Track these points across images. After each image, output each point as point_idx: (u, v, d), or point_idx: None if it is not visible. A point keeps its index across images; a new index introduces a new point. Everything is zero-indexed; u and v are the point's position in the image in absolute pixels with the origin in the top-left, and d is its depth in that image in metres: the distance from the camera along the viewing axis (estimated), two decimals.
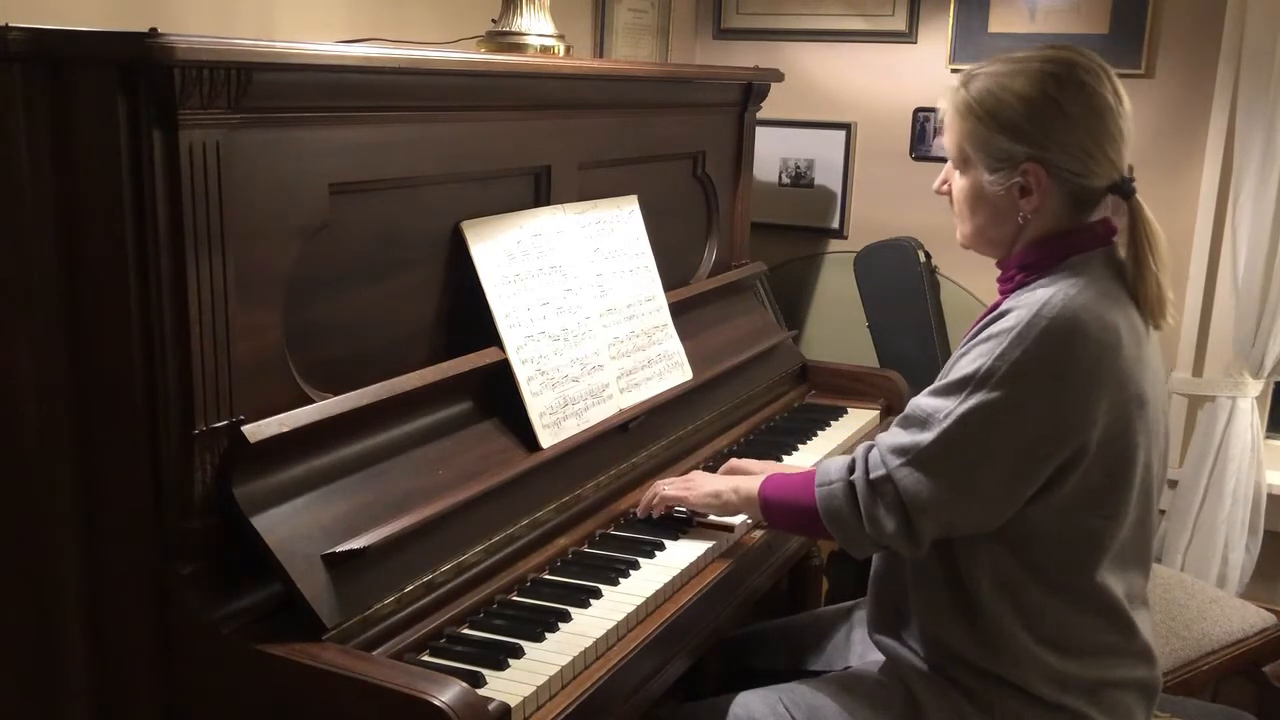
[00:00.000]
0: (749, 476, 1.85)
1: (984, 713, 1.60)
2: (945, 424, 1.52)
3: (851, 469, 1.61)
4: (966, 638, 1.60)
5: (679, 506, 1.91)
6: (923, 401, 1.57)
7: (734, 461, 2.08)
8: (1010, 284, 1.64)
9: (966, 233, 1.69)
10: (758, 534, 1.98)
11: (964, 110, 1.60)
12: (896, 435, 1.58)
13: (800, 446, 2.38)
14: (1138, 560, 1.62)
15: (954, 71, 3.48)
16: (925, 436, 1.53)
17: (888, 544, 1.59)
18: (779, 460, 2.28)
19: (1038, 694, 1.58)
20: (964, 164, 1.64)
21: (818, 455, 2.33)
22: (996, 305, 1.62)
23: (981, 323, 1.58)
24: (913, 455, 1.54)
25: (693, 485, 1.90)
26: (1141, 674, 1.63)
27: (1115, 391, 1.50)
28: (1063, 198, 1.58)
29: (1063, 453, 1.50)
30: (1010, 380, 1.48)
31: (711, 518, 1.93)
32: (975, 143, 1.60)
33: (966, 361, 1.54)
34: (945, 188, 1.70)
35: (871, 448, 1.61)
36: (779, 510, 1.76)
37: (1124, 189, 1.58)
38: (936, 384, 1.57)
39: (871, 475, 1.58)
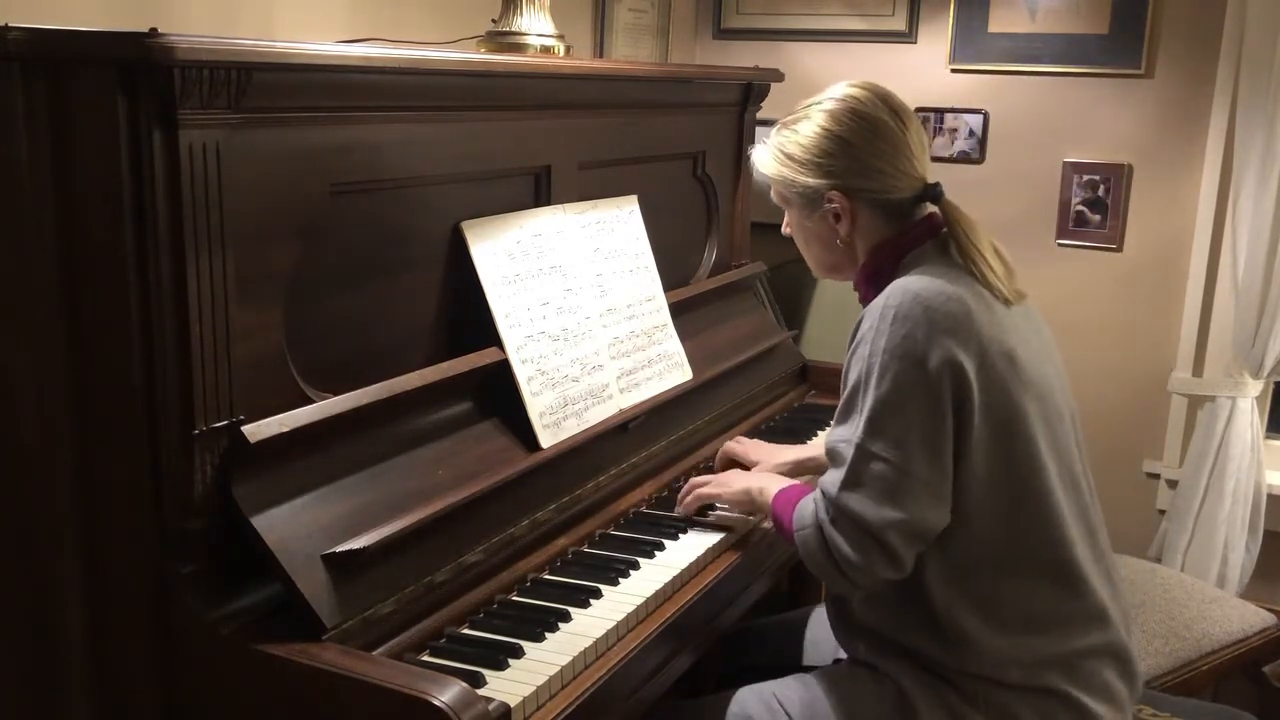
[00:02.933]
0: (774, 481, 1.89)
1: (971, 704, 1.61)
2: (858, 440, 1.58)
3: (815, 517, 1.65)
4: (930, 645, 1.63)
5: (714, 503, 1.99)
6: (834, 434, 1.65)
7: (735, 446, 2.20)
8: (866, 300, 1.73)
9: (812, 265, 1.87)
10: (757, 535, 1.98)
11: (769, 160, 1.79)
12: (829, 475, 1.64)
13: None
14: (1078, 520, 1.65)
15: (954, 72, 3.48)
16: (848, 463, 1.60)
17: (875, 576, 1.59)
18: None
19: (1015, 683, 1.60)
20: (786, 206, 1.81)
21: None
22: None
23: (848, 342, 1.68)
24: (847, 482, 1.59)
25: (726, 483, 1.97)
26: (1104, 637, 1.64)
27: (976, 348, 1.57)
28: (874, 214, 1.73)
29: (948, 409, 1.56)
30: (885, 372, 1.57)
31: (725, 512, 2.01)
32: (784, 185, 1.78)
33: (848, 380, 1.64)
34: (788, 230, 1.86)
35: (821, 500, 1.64)
36: (784, 531, 1.78)
37: (931, 195, 1.72)
38: (836, 412, 1.66)
39: (830, 519, 1.61)
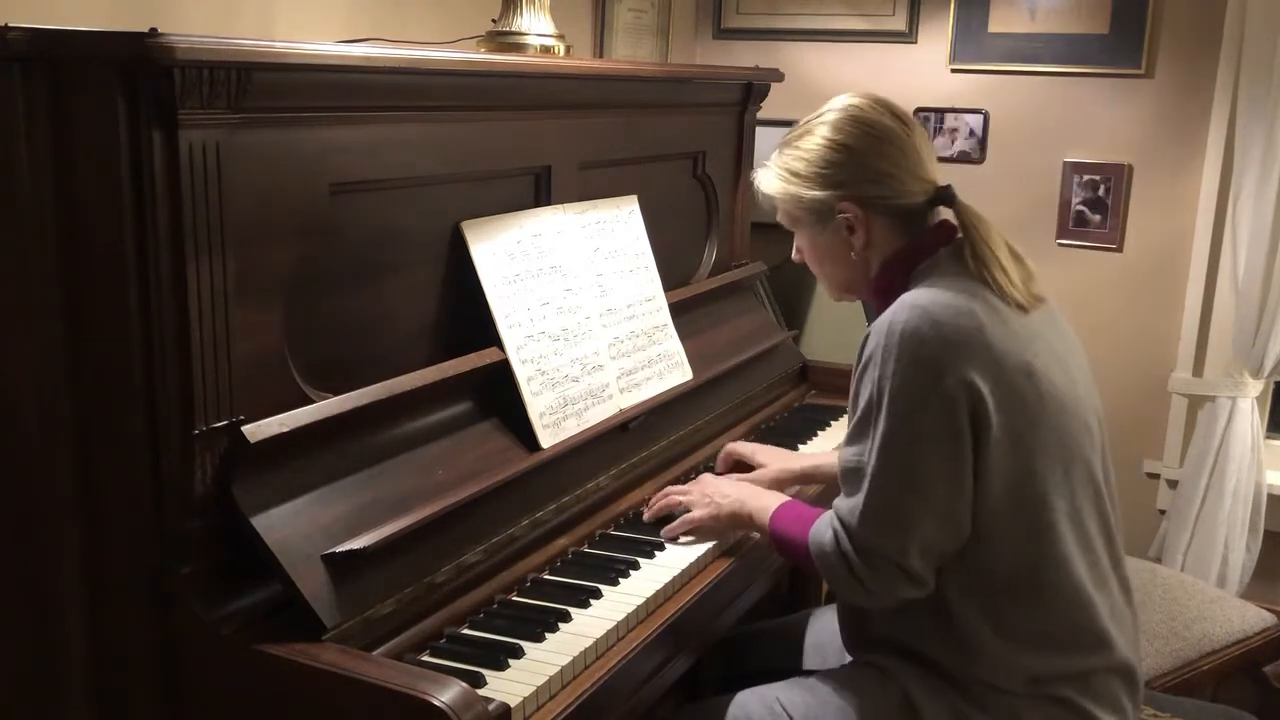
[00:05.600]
0: (764, 497, 1.85)
1: (978, 709, 1.60)
2: (872, 465, 1.56)
3: (834, 541, 1.61)
4: (943, 651, 1.62)
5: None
6: (846, 454, 1.62)
7: (737, 446, 2.20)
8: (879, 313, 1.69)
9: (828, 287, 1.83)
10: (758, 534, 1.98)
11: (774, 181, 1.75)
12: (845, 502, 1.61)
13: (800, 447, 2.38)
14: (1097, 535, 1.63)
15: (954, 72, 3.48)
16: (863, 489, 1.57)
17: (898, 595, 1.59)
18: (795, 449, 2.33)
19: (1024, 691, 1.59)
20: (796, 226, 1.77)
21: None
22: None
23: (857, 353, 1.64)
24: (864, 510, 1.57)
25: (714, 508, 1.89)
26: (1109, 660, 1.62)
27: (992, 365, 1.54)
28: (887, 223, 1.69)
29: (966, 431, 1.53)
30: (897, 395, 1.54)
31: None
32: (793, 203, 1.74)
33: (859, 400, 1.60)
34: (798, 256, 1.82)
35: (839, 526, 1.61)
36: (787, 551, 1.76)
37: (944, 198, 1.69)
38: (848, 432, 1.63)
39: (852, 546, 1.59)
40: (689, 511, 1.91)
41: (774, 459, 2.16)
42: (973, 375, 1.52)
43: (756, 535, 1.90)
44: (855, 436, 1.60)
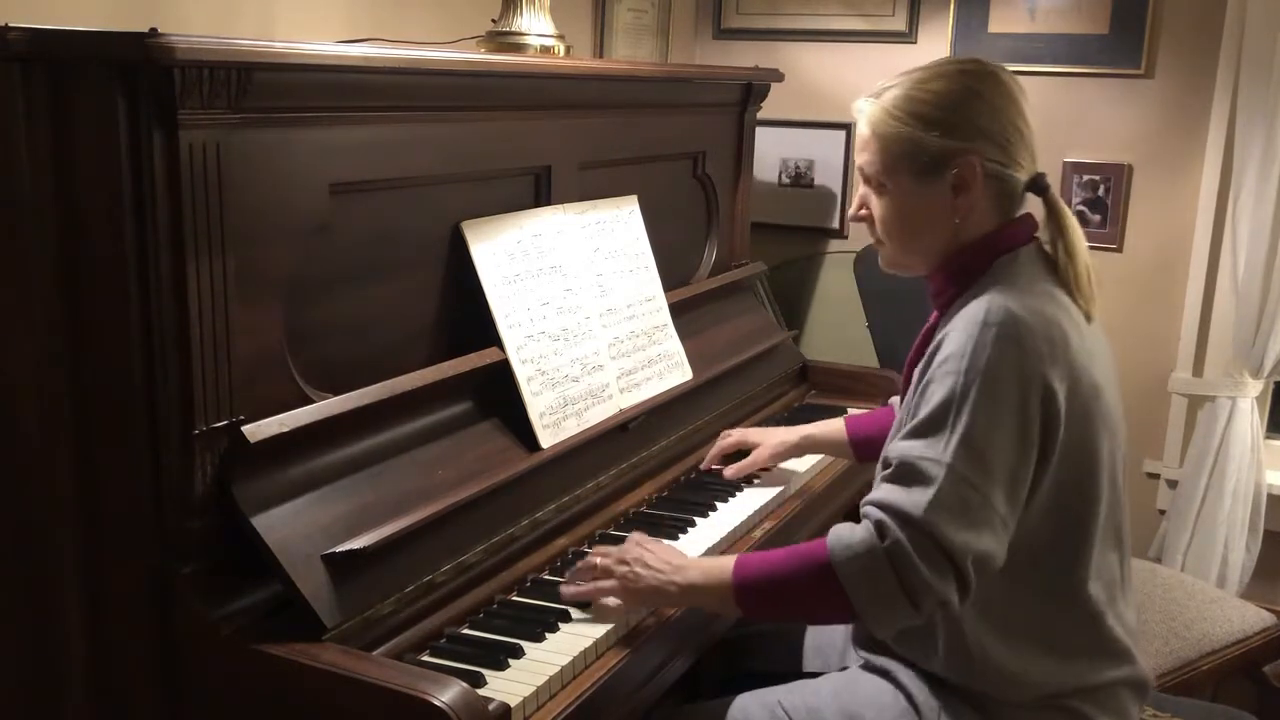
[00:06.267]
0: (706, 560, 1.68)
1: (982, 713, 1.60)
2: (949, 462, 1.47)
3: (879, 538, 1.48)
4: (948, 654, 1.60)
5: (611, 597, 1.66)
6: (908, 449, 1.50)
7: (732, 434, 2.21)
8: (943, 296, 1.64)
9: (894, 252, 1.68)
10: (758, 534, 1.98)
11: (884, 118, 1.60)
12: (904, 494, 1.48)
13: None
14: (1115, 556, 1.62)
15: None
16: (935, 482, 1.47)
17: (942, 602, 1.47)
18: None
19: (1031, 703, 1.59)
20: (889, 177, 1.62)
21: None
22: (932, 327, 1.63)
23: (927, 353, 1.56)
24: (935, 504, 1.46)
25: (625, 583, 1.63)
26: (1124, 673, 1.62)
27: (1071, 381, 1.51)
28: (990, 194, 1.59)
29: (1036, 444, 1.49)
30: (982, 396, 1.47)
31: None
32: (902, 149, 1.59)
33: (934, 395, 1.50)
34: (864, 212, 1.68)
35: (891, 518, 1.48)
36: (769, 594, 1.56)
37: (1040, 185, 1.61)
38: (912, 426, 1.52)
39: (906, 536, 1.46)
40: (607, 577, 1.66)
41: (767, 437, 2.18)
42: (1055, 390, 1.49)
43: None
44: (924, 431, 1.50)
